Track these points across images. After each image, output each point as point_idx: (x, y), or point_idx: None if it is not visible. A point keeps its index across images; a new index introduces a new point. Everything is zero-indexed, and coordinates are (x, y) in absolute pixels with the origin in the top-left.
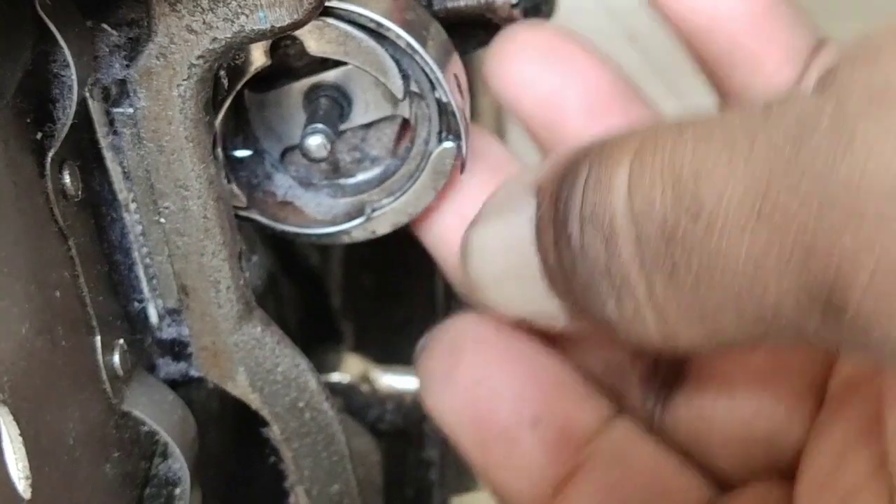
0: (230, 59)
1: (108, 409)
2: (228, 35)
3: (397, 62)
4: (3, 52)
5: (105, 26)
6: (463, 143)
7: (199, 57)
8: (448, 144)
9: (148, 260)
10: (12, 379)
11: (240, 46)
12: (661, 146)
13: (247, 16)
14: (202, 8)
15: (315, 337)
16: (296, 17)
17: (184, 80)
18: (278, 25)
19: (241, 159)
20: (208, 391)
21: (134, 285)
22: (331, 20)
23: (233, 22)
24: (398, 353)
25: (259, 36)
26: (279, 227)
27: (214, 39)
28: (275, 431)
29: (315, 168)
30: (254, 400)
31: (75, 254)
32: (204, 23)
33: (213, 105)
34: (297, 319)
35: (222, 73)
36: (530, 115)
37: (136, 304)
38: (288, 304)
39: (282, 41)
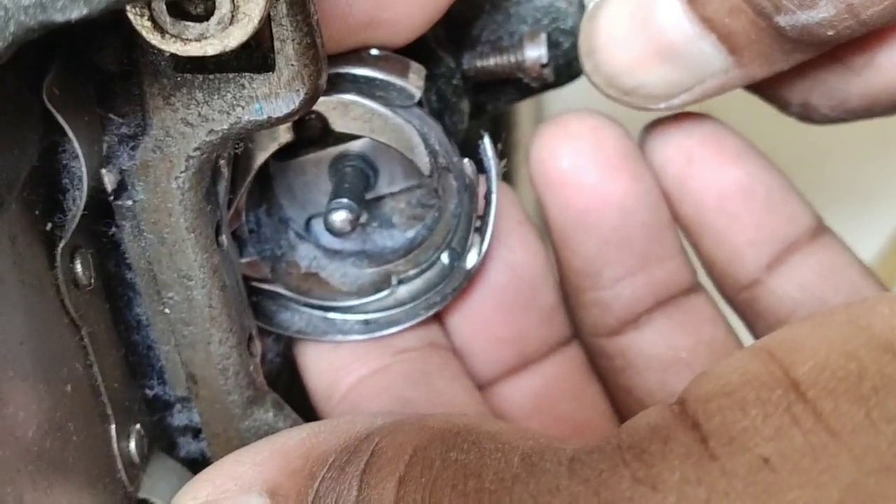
0: (230, 148)
1: (123, 498)
2: (225, 127)
3: (424, 137)
4: (10, 147)
5: (112, 116)
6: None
7: (195, 149)
8: (473, 261)
9: None
10: (16, 488)
11: (237, 137)
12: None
13: (243, 107)
14: (197, 101)
15: None
16: (292, 107)
17: (181, 172)
18: (275, 116)
19: (264, 230)
20: None
21: (153, 364)
22: (357, 98)
23: (229, 114)
24: None
25: (256, 127)
26: (303, 300)
27: (211, 132)
28: None
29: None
30: None
31: (88, 343)
32: (199, 115)
33: (233, 182)
34: None
35: (222, 162)
36: (563, 206)
37: (154, 384)
38: None
39: (306, 115)
